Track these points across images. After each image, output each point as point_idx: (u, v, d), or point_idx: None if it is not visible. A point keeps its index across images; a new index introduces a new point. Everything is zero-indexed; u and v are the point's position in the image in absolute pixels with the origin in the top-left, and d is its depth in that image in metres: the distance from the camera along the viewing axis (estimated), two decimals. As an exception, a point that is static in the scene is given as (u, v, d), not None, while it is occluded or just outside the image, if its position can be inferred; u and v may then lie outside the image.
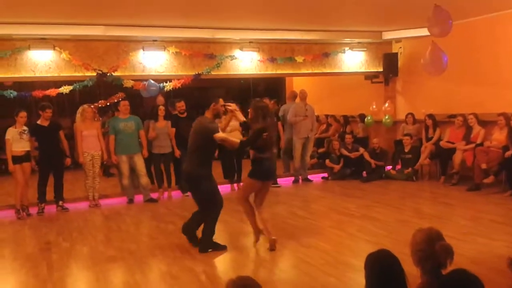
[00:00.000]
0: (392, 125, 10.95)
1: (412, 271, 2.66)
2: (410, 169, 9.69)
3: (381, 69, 11.16)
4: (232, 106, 5.66)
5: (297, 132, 9.93)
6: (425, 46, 7.08)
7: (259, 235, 5.82)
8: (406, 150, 9.89)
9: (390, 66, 11.04)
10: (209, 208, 5.60)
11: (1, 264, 5.55)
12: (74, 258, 5.61)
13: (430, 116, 9.78)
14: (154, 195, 8.77)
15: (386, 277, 2.43)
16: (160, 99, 9.93)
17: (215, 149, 5.74)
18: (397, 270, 2.44)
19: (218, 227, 6.78)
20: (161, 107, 8.89)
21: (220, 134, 5.43)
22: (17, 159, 7.67)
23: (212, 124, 5.53)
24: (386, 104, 10.92)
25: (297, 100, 10.48)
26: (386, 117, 10.88)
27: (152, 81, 9.05)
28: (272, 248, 5.53)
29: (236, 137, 9.21)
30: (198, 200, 5.65)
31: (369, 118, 11.06)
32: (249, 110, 5.71)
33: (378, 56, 11.15)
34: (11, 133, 7.66)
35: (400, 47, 11.15)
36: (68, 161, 8.26)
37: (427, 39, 7.48)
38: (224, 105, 5.63)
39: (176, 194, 9.13)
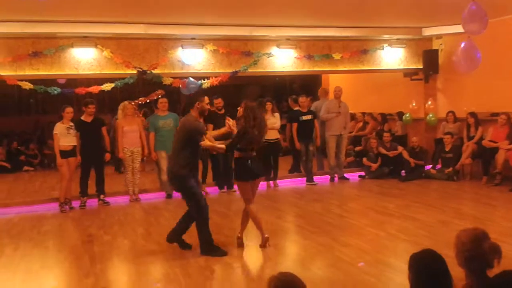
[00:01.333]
0: (436, 123, 10.71)
1: (454, 272, 2.59)
2: (451, 168, 9.46)
3: (420, 66, 10.93)
4: (231, 122, 5.56)
5: (329, 129, 9.86)
6: (467, 43, 6.88)
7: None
8: (447, 149, 9.66)
9: (430, 63, 10.79)
10: (196, 210, 5.44)
11: (45, 255, 5.74)
12: (115, 251, 5.77)
13: (472, 114, 9.53)
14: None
15: (432, 278, 2.38)
16: (195, 97, 10.05)
17: (198, 148, 5.48)
18: (443, 271, 2.39)
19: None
20: None
21: (206, 142, 5.34)
22: (64, 154, 7.91)
23: (198, 123, 5.46)
24: (429, 102, 10.69)
25: (331, 97, 10.39)
26: (431, 115, 10.65)
27: (192, 79, 9.16)
28: (264, 245, 5.59)
29: (272, 135, 9.34)
30: (187, 201, 5.54)
31: (407, 115, 10.85)
32: (238, 108, 5.58)
33: (417, 53, 10.93)
34: (59, 129, 7.90)
35: (441, 44, 10.88)
36: (107, 156, 8.44)
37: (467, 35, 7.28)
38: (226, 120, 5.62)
39: (213, 190, 9.20)
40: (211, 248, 5.42)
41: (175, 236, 5.64)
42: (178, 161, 5.38)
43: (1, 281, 4.89)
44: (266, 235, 5.63)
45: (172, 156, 5.65)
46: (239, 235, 5.74)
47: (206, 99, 5.62)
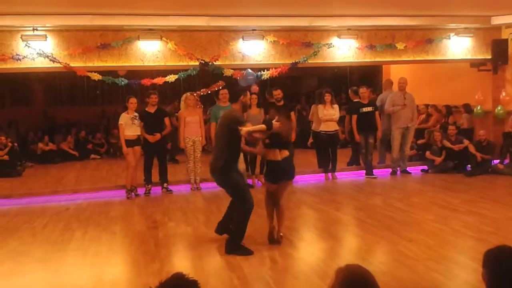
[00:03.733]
0: (504, 116, 10.23)
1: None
2: (520, 163, 9.04)
3: (489, 56, 10.44)
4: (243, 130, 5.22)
5: (395, 122, 9.61)
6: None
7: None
8: (516, 144, 9.22)
9: (499, 53, 10.29)
10: (242, 203, 5.32)
11: (113, 240, 6.00)
12: (179, 237, 5.94)
13: (544, 107, 9.03)
14: (249, 181, 8.94)
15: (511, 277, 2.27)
16: (255, 88, 10.09)
17: (240, 141, 5.40)
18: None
19: (315, 216, 6.85)
20: (253, 95, 9.00)
21: (243, 129, 5.14)
22: (129, 143, 8.19)
23: (237, 114, 5.37)
24: (503, 94, 10.21)
25: (395, 88, 10.13)
26: (499, 107, 10.18)
27: (250, 71, 9.22)
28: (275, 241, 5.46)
29: (331, 127, 9.25)
30: (231, 194, 5.51)
31: (478, 108, 10.38)
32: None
33: (486, 43, 10.43)
34: (124, 119, 8.19)
35: (511, 33, 10.34)
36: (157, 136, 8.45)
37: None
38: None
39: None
40: (237, 247, 5.24)
41: (224, 228, 5.63)
42: (223, 155, 5.27)
43: (72, 264, 5.14)
44: (281, 233, 5.53)
45: (215, 150, 5.54)
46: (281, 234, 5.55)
47: (249, 94, 5.68)
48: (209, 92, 9.65)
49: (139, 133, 8.29)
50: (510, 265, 2.29)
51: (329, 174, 9.55)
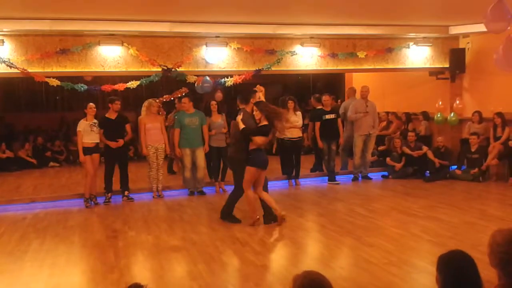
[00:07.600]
0: (457, 123, 10.55)
1: (482, 274, 2.52)
2: (476, 169, 9.30)
3: (447, 65, 10.75)
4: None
5: (357, 129, 9.78)
6: (495, 42, 6.75)
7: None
8: (473, 150, 9.50)
9: (457, 62, 10.61)
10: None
11: (71, 250, 5.83)
12: (139, 246, 5.82)
13: (499, 114, 9.34)
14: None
15: (462, 280, 2.32)
16: (219, 95, 10.05)
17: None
18: (474, 273, 2.34)
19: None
20: (213, 102, 8.99)
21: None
22: (87, 150, 8.01)
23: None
24: (457, 101, 10.51)
25: (358, 96, 10.31)
26: (452, 115, 10.49)
27: (207, 78, 9.14)
28: (280, 223, 6.49)
29: (295, 134, 9.33)
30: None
31: (439, 115, 10.65)
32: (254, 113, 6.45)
33: (444, 52, 10.76)
34: (82, 125, 8.02)
35: (468, 43, 10.69)
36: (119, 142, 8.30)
37: (498, 34, 7.13)
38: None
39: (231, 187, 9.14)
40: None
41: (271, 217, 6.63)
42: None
43: (28, 275, 4.98)
44: (283, 213, 6.55)
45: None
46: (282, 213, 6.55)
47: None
48: (172, 98, 9.53)
49: (97, 141, 8.12)
50: (460, 268, 2.36)
51: (293, 180, 9.60)
